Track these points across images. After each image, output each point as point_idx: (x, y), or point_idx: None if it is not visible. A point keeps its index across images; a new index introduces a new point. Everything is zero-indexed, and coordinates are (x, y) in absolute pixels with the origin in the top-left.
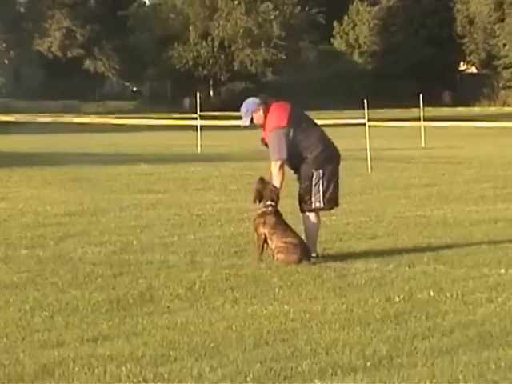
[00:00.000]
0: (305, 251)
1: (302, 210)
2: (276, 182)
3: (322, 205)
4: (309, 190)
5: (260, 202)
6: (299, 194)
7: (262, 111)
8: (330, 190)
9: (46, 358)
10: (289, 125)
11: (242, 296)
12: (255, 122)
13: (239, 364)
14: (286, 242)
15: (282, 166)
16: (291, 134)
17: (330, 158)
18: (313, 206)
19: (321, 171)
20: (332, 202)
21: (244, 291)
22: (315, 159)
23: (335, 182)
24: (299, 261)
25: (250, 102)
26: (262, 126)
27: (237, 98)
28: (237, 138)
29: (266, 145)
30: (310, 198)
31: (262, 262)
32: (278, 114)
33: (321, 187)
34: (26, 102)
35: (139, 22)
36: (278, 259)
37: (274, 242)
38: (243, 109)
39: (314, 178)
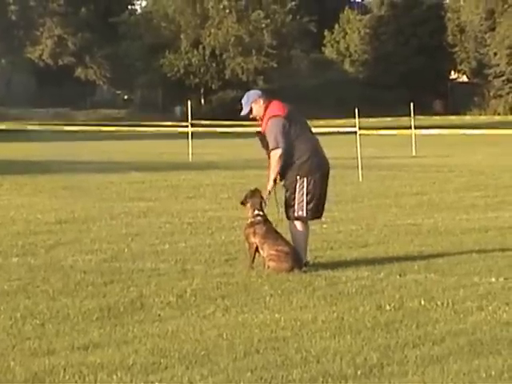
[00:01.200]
0: (296, 259)
1: (288, 218)
2: (274, 171)
3: (304, 213)
4: (293, 197)
5: (244, 205)
6: (285, 201)
7: (262, 102)
8: (315, 200)
9: (37, 366)
10: (287, 118)
11: (233, 304)
12: (254, 112)
13: (230, 372)
14: (277, 250)
15: (281, 156)
16: (287, 127)
17: (317, 168)
18: (296, 214)
19: (305, 179)
20: (315, 212)
21: (235, 299)
22: (300, 166)
23: (320, 193)
24: (291, 269)
25: (252, 93)
26: (261, 119)
27: (228, 107)
28: (228, 147)
29: (262, 138)
30: (294, 206)
31: (253, 270)
32: (278, 106)
33: (304, 196)
34: (17, 110)
35: (130, 30)
36: (269, 267)
37: (266, 251)
38: (244, 98)
39: (298, 185)
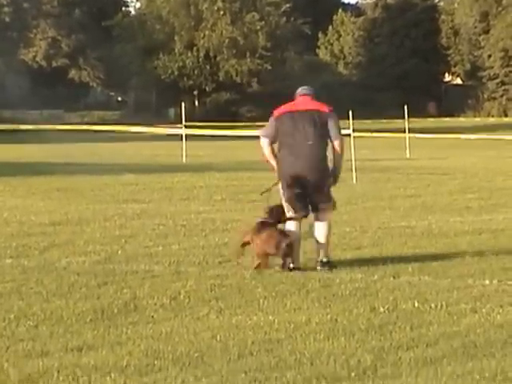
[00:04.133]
0: (286, 252)
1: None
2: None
3: (292, 213)
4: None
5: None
6: None
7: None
8: (295, 199)
9: (31, 368)
10: (277, 119)
11: (227, 306)
12: None
13: (224, 374)
14: (270, 236)
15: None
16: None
17: (288, 169)
18: (287, 215)
19: (280, 183)
20: (300, 211)
21: (229, 301)
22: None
23: (297, 192)
24: (274, 253)
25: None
26: None
27: (222, 109)
28: (222, 149)
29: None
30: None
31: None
32: (285, 105)
33: (283, 197)
34: (11, 112)
35: (124, 32)
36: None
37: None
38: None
39: (280, 188)
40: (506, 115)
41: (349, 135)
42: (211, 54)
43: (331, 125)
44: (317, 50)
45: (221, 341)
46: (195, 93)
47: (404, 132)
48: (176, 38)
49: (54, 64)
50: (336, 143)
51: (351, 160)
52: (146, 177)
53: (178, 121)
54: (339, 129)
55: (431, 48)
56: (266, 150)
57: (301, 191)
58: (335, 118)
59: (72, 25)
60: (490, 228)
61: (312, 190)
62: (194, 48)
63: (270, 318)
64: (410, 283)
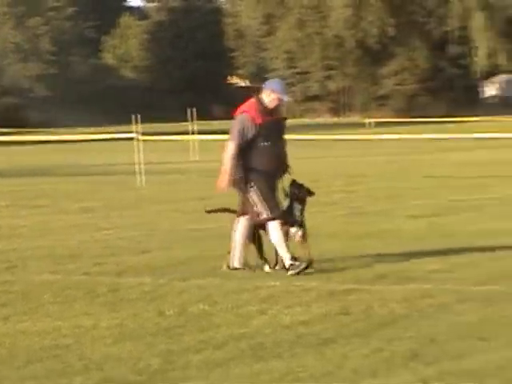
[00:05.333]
0: None
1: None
2: None
3: None
4: None
5: None
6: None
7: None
8: None
9: None
10: None
11: (13, 313)
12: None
13: (11, 382)
14: None
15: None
16: None
17: None
18: None
19: None
20: None
21: (15, 308)
22: None
23: None
24: None
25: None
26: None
27: (8, 114)
28: (4, 154)
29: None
30: None
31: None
32: None
33: None
34: None
35: None
36: None
37: None
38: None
39: None
40: (294, 117)
41: (135, 139)
42: None
43: None
44: (102, 54)
45: (7, 348)
46: None
47: (190, 134)
48: None
49: None
50: None
51: (137, 164)
52: None
53: None
54: (231, 133)
55: (217, 51)
56: None
57: None
58: (233, 122)
59: None
60: None
61: None
62: None
63: (58, 323)
64: (198, 286)
